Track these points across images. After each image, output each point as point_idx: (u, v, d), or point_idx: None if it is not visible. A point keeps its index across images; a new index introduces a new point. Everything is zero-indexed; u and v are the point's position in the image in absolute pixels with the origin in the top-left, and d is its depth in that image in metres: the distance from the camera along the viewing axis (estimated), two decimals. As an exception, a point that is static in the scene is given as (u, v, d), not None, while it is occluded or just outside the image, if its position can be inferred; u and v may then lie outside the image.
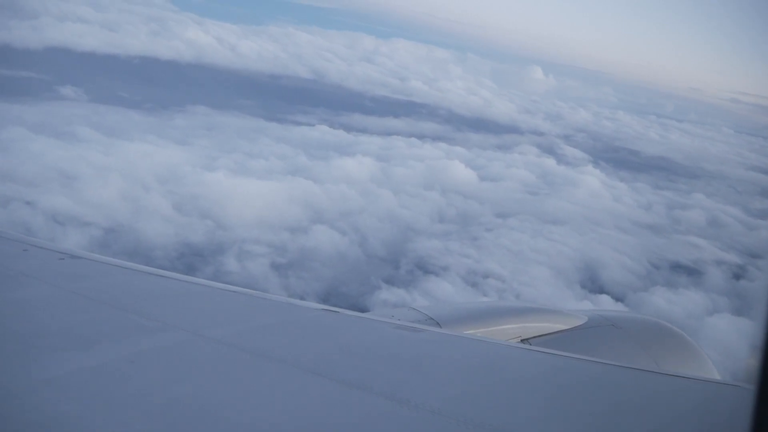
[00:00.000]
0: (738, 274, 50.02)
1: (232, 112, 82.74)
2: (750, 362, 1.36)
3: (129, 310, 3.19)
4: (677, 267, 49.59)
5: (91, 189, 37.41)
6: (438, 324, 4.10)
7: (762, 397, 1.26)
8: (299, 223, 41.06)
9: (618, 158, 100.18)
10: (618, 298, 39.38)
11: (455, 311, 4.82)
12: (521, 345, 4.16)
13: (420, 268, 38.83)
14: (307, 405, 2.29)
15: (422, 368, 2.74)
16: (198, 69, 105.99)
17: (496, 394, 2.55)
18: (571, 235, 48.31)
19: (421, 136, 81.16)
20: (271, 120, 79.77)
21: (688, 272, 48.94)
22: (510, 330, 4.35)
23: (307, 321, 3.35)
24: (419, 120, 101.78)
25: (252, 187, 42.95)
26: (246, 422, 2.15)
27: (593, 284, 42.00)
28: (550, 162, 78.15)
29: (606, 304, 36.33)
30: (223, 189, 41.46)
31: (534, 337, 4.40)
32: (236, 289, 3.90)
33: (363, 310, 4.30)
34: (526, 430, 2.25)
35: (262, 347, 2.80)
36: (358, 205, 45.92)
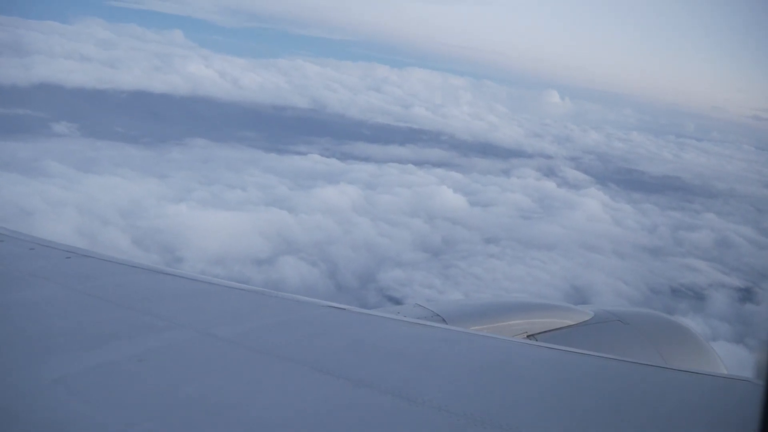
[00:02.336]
0: (741, 297, 47.35)
1: (231, 144, 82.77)
2: (759, 357, 1.37)
3: (137, 309, 3.22)
4: (675, 292, 47.14)
5: (45, 224, 36.66)
6: (444, 320, 4.12)
7: None
8: (265, 255, 39.77)
9: (628, 179, 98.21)
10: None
11: (461, 308, 4.82)
12: (528, 341, 4.09)
13: (389, 298, 37.21)
14: (314, 402, 2.29)
15: (429, 365, 2.73)
16: (202, 103, 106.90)
17: (503, 390, 2.52)
18: (558, 261, 46.22)
19: (422, 163, 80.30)
20: (270, 151, 79.56)
21: (687, 297, 46.49)
22: (516, 326, 4.34)
23: (314, 318, 3.35)
24: (425, 147, 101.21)
25: (218, 219, 41.92)
26: (254, 420, 2.15)
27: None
28: (549, 185, 76.44)
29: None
30: (185, 222, 40.44)
31: (540, 333, 4.36)
32: (242, 287, 3.93)
33: None
34: (533, 427, 2.20)
35: (269, 345, 2.82)
36: (333, 235, 44.58)
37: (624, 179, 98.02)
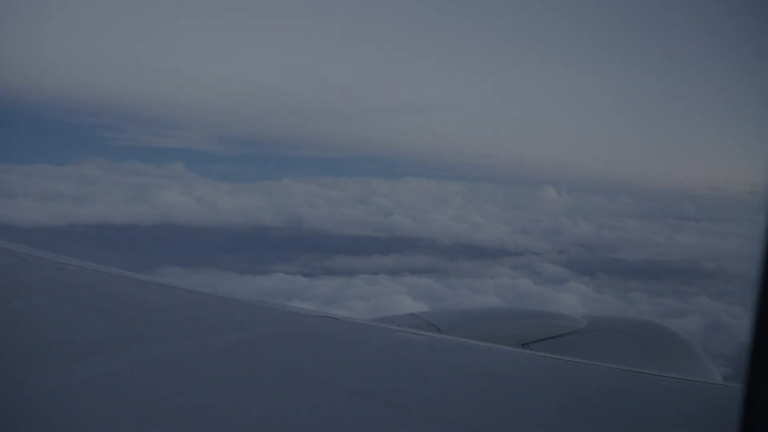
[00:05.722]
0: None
1: (207, 269, 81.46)
2: (740, 362, 1.38)
3: (129, 319, 3.21)
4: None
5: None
6: (438, 330, 4.15)
7: (750, 396, 1.28)
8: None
9: (618, 268, 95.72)
10: None
11: (455, 317, 4.74)
12: (522, 350, 4.06)
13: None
14: (309, 412, 2.27)
15: (423, 374, 2.71)
16: (179, 230, 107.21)
17: (497, 399, 2.49)
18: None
19: (401, 271, 78.59)
20: (246, 273, 78.04)
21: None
22: (510, 334, 4.28)
23: (309, 328, 3.32)
24: (409, 254, 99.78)
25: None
26: (249, 430, 2.14)
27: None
28: (526, 283, 73.83)
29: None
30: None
31: (535, 341, 4.29)
32: (237, 297, 3.90)
33: None
34: None
35: (264, 355, 2.79)
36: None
37: (614, 268, 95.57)
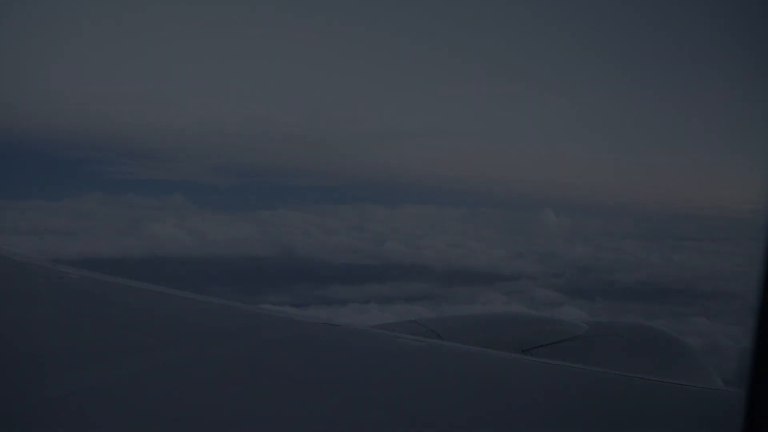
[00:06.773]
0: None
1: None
2: (742, 366, 1.41)
3: (130, 327, 3.20)
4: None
5: None
6: (439, 336, 4.18)
7: (752, 401, 1.30)
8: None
9: (615, 290, 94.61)
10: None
11: (456, 323, 4.76)
12: (523, 356, 4.07)
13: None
14: (311, 420, 2.26)
15: (425, 381, 2.70)
16: (169, 262, 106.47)
17: (499, 406, 2.47)
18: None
19: (394, 299, 77.50)
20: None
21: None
22: (511, 340, 4.28)
23: (311, 336, 3.34)
24: (405, 282, 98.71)
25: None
26: None
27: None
28: (519, 308, 72.72)
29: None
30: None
31: (535, 347, 4.33)
32: (238, 305, 3.88)
33: None
34: None
35: (265, 363, 2.77)
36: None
37: (612, 290, 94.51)
